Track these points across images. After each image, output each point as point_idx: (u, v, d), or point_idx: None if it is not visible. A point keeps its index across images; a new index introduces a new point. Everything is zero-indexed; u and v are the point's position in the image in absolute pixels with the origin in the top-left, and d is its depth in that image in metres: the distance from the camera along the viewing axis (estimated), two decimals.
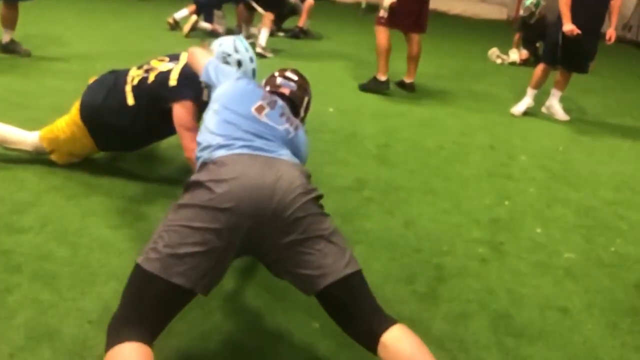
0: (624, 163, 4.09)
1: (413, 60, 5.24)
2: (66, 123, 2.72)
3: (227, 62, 2.39)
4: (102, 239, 2.31)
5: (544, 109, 5.13)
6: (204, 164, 1.71)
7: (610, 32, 4.63)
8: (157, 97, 2.57)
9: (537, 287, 2.37)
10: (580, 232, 2.91)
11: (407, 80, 5.34)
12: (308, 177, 1.77)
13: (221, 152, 1.72)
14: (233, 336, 1.88)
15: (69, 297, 1.95)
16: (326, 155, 3.51)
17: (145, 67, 2.69)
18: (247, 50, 2.44)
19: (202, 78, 2.16)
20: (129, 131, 2.66)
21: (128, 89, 2.62)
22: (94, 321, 1.84)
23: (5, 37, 4.84)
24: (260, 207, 1.55)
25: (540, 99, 5.08)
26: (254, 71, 2.51)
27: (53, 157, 2.79)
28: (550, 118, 5.04)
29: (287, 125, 1.95)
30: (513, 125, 4.74)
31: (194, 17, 6.59)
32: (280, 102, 2.03)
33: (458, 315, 2.12)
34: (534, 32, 7.04)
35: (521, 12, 7.21)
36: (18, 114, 3.50)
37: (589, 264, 2.60)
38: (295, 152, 1.96)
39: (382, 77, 5.13)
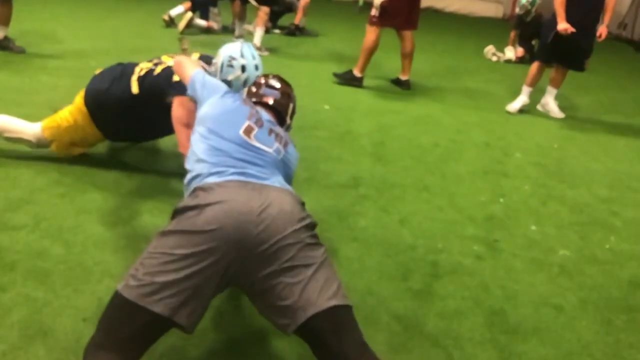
0: (618, 160, 4.10)
1: (407, 57, 5.26)
2: (69, 111, 2.76)
3: (231, 66, 2.38)
4: (97, 237, 2.31)
5: (539, 107, 5.13)
6: (194, 191, 1.66)
7: (602, 29, 4.62)
8: (159, 90, 2.61)
9: (532, 284, 2.37)
10: (575, 229, 2.92)
11: (403, 77, 5.36)
12: (301, 204, 1.72)
13: (212, 179, 1.67)
14: (229, 334, 1.88)
15: (63, 294, 1.94)
16: (321, 152, 3.51)
17: (155, 60, 2.76)
18: (253, 57, 2.44)
19: (188, 92, 2.10)
20: (132, 120, 2.71)
21: (134, 78, 2.67)
22: (88, 319, 1.83)
23: None
24: (245, 233, 1.50)
25: (535, 97, 5.09)
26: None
27: (53, 147, 2.80)
28: (545, 115, 5.05)
29: (277, 145, 1.91)
30: (508, 122, 4.74)
31: (189, 14, 6.57)
32: (265, 116, 1.99)
33: (453, 312, 2.13)
34: (530, 29, 7.05)
35: (517, 10, 7.22)
36: (12, 110, 3.46)
37: (583, 261, 2.61)
38: (286, 170, 1.95)
39: (358, 74, 5.20)
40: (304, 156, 2.18)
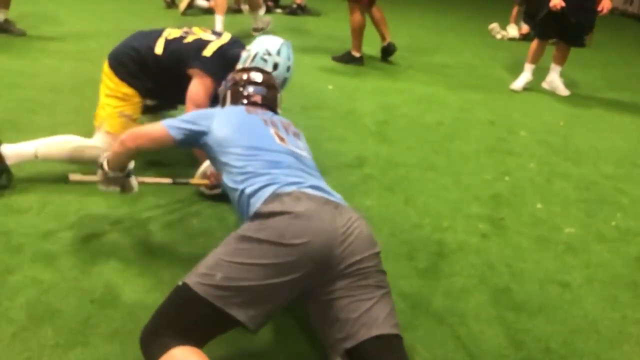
0: (625, 137, 4.07)
1: (379, 23, 5.25)
2: (102, 83, 2.62)
3: (264, 60, 2.33)
4: (102, 219, 2.31)
5: (545, 85, 5.08)
6: (277, 196, 1.60)
7: (604, 3, 4.52)
8: (185, 58, 2.53)
9: (538, 262, 2.37)
10: (581, 206, 2.91)
11: (385, 43, 5.34)
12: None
13: (292, 188, 1.64)
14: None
15: (70, 276, 1.95)
16: (325, 132, 3.49)
17: (185, 29, 2.68)
18: (288, 58, 2.39)
19: (177, 138, 1.84)
20: (145, 77, 2.59)
21: (161, 40, 2.59)
22: (96, 300, 1.84)
23: (0, 16, 4.77)
24: (329, 252, 1.49)
25: (541, 74, 5.04)
26: (285, 81, 2.47)
27: (108, 127, 2.55)
28: (550, 93, 5.00)
29: (299, 143, 1.91)
30: (513, 100, 4.71)
31: None
32: (269, 114, 1.97)
33: (459, 290, 2.13)
34: (535, 6, 6.95)
35: None
36: (13, 93, 3.48)
37: (589, 239, 2.60)
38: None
39: (357, 54, 5.20)
40: (307, 136, 2.16)
